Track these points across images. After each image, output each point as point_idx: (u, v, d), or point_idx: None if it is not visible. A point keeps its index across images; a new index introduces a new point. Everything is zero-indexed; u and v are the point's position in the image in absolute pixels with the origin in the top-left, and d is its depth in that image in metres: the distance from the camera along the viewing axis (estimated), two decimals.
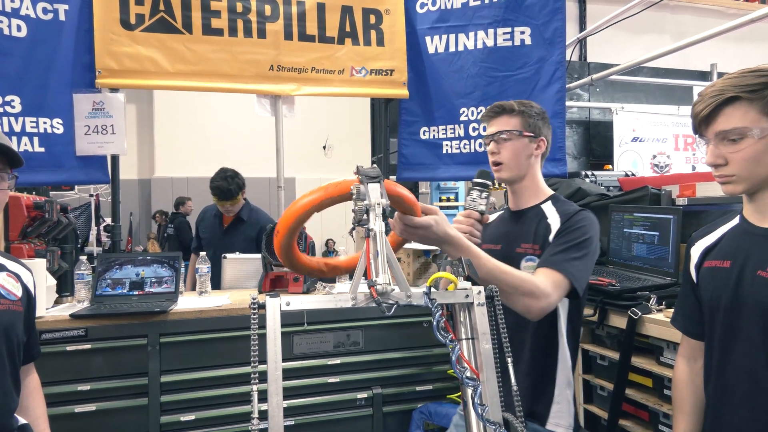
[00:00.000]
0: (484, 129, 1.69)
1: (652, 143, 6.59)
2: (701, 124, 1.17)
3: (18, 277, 1.43)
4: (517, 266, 1.53)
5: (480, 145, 3.37)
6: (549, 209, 1.60)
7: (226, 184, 3.36)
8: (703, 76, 6.91)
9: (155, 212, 9.27)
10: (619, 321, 2.02)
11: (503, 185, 1.75)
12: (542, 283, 1.39)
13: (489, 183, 1.56)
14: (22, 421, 1.40)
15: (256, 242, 3.35)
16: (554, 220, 1.56)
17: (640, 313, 1.89)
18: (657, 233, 2.19)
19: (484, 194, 1.54)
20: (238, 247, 3.26)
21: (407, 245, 3.13)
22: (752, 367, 1.14)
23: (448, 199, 7.73)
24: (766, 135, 1.10)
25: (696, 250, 1.31)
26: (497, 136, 1.61)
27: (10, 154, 1.37)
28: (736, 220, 1.26)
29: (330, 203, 1.13)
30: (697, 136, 1.21)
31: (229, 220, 3.52)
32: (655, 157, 6.55)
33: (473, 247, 1.34)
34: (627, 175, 4.07)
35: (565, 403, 1.57)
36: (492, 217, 1.76)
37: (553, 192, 1.66)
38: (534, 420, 1.56)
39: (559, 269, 1.43)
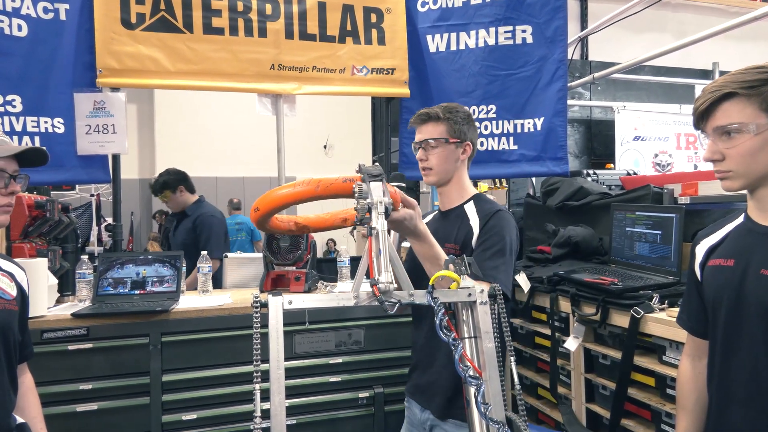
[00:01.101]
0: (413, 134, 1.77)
1: (654, 142, 6.58)
2: (700, 119, 1.19)
3: (12, 276, 1.42)
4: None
5: (481, 143, 3.37)
6: (470, 209, 1.69)
7: (153, 181, 3.69)
8: (705, 74, 6.89)
9: (155, 212, 9.27)
10: (621, 320, 2.02)
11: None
12: None
13: (404, 185, 1.62)
14: (19, 420, 1.40)
15: (193, 232, 3.58)
16: (474, 222, 1.65)
17: (642, 312, 1.89)
18: (659, 232, 2.18)
19: None
20: (180, 239, 3.54)
21: (408, 244, 3.13)
22: (755, 365, 1.13)
23: None
24: (763, 131, 1.10)
25: (701, 249, 1.31)
26: (425, 143, 1.69)
27: (28, 155, 1.38)
28: (741, 219, 1.25)
29: (316, 199, 1.15)
30: (698, 132, 1.22)
31: (180, 216, 3.77)
32: (656, 155, 6.54)
33: (436, 246, 1.43)
34: (629, 173, 4.06)
35: None
36: (429, 217, 1.87)
37: (476, 192, 1.76)
38: (457, 418, 1.60)
39: (487, 279, 1.51)
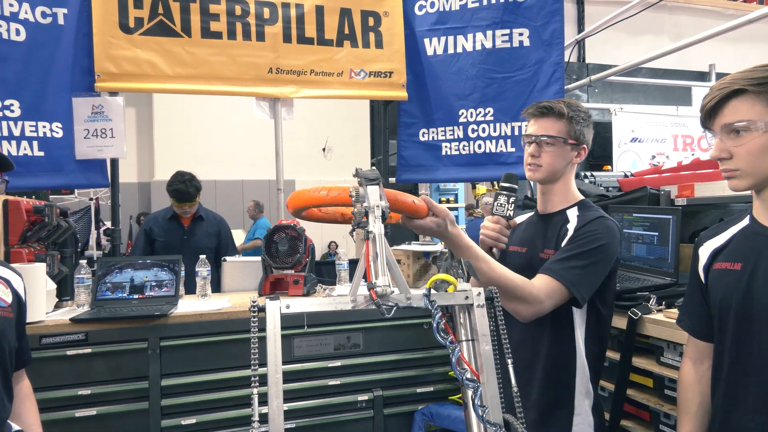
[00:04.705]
0: (526, 124, 1.64)
1: (651, 144, 6.59)
2: (708, 116, 1.15)
3: (8, 282, 1.41)
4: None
5: (479, 146, 3.37)
6: (573, 214, 1.57)
7: (185, 186, 3.48)
8: (702, 76, 6.92)
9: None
10: (619, 321, 2.02)
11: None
12: (537, 289, 1.41)
13: (516, 187, 1.55)
14: (15, 428, 1.38)
15: (216, 237, 3.66)
16: (572, 227, 1.53)
17: (640, 314, 1.89)
18: (656, 233, 2.19)
19: (512, 199, 1.53)
20: (203, 243, 3.51)
21: (406, 247, 3.13)
22: (765, 370, 1.11)
23: (448, 201, 7.73)
24: None
25: (704, 251, 1.27)
26: (540, 139, 1.55)
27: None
28: (746, 221, 1.22)
29: (328, 206, 1.15)
30: (705, 131, 1.18)
31: (188, 221, 3.65)
32: (654, 157, 6.54)
33: (474, 247, 1.36)
34: (626, 175, 4.06)
35: (585, 414, 1.55)
36: (520, 219, 1.74)
37: (582, 197, 1.63)
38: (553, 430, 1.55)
39: (556, 277, 1.43)
